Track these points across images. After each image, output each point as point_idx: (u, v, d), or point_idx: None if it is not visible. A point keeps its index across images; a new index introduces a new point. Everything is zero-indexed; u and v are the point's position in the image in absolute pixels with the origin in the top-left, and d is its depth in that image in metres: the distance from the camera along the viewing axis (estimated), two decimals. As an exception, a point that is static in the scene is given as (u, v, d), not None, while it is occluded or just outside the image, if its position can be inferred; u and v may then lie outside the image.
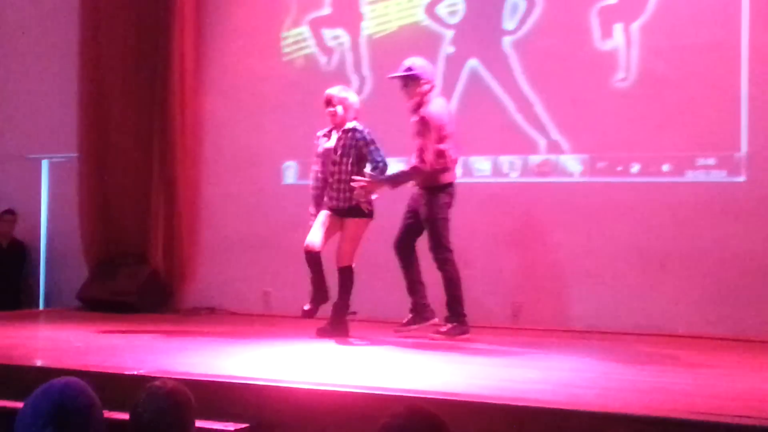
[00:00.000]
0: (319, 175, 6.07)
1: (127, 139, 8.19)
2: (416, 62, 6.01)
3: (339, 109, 5.94)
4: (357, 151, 5.88)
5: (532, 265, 6.84)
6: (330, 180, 5.94)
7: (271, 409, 4.08)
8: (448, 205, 5.95)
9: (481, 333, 6.36)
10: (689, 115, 6.49)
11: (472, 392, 4.01)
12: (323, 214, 5.96)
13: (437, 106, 5.95)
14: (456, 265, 5.92)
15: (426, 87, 5.93)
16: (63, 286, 8.43)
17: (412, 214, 6.05)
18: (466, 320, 5.93)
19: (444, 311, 5.93)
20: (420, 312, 6.00)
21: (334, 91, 6.02)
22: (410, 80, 5.94)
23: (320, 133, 6.12)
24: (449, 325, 5.90)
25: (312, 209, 6.09)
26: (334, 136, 5.99)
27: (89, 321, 7.02)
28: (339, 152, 5.91)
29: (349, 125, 5.93)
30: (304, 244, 5.90)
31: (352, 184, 5.81)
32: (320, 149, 6.07)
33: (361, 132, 5.88)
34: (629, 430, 3.49)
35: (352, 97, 6.07)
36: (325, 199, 5.99)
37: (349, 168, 5.87)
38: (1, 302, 8.14)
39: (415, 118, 5.87)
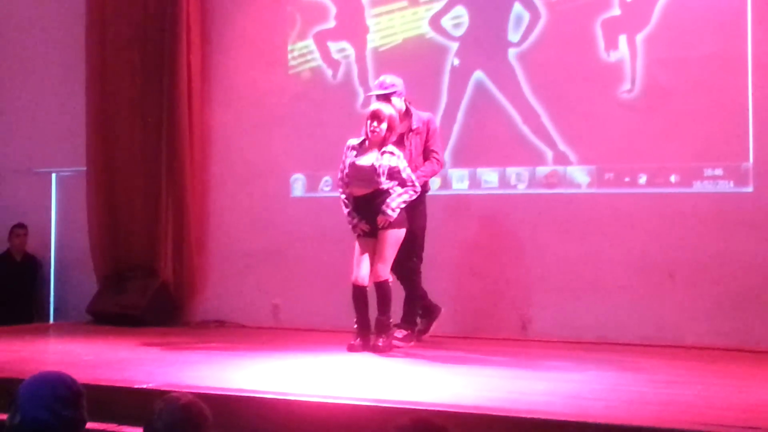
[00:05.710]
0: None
1: (135, 152, 8.21)
2: (396, 79, 6.11)
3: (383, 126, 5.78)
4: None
5: (540, 276, 6.83)
6: None
7: (280, 422, 4.09)
8: None
9: (489, 345, 6.38)
10: (696, 126, 6.49)
11: (480, 404, 4.02)
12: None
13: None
14: None
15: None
16: (72, 300, 8.43)
17: None
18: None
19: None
20: (432, 311, 6.26)
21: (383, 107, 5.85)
22: (395, 96, 6.04)
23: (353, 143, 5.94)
24: (405, 332, 6.06)
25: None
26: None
27: (99, 334, 7.04)
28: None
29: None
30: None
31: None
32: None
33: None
34: (638, 442, 3.50)
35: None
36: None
37: None
38: (15, 316, 8.15)
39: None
